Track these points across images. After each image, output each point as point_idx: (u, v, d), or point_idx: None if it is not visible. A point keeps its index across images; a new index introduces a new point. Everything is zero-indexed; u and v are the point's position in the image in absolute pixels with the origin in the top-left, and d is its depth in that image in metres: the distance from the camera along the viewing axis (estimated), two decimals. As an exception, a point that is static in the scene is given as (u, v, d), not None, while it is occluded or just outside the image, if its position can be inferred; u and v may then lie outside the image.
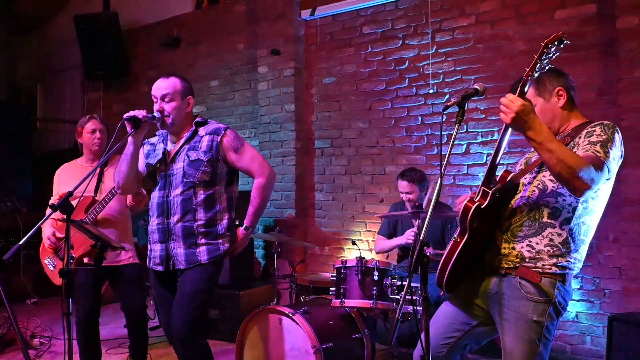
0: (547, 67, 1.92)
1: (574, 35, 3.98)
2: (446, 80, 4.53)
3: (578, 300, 3.94)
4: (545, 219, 2.01)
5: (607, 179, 1.96)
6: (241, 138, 2.90)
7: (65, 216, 2.34)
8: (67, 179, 3.61)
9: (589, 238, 2.05)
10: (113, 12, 6.68)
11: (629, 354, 3.13)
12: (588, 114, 3.90)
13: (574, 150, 1.97)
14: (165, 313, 2.90)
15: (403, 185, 3.94)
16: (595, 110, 3.87)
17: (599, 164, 1.87)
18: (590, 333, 3.90)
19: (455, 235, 2.04)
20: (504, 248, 2.06)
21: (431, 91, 4.59)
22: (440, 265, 2.04)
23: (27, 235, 2.22)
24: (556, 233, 1.99)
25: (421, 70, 4.68)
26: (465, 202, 2.01)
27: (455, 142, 1.95)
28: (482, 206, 1.97)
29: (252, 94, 5.77)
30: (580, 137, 2.00)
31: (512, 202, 2.10)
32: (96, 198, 3.47)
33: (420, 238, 1.86)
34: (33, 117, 7.89)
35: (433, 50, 4.59)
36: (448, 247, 2.04)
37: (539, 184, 2.05)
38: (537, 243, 2.00)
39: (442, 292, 2.13)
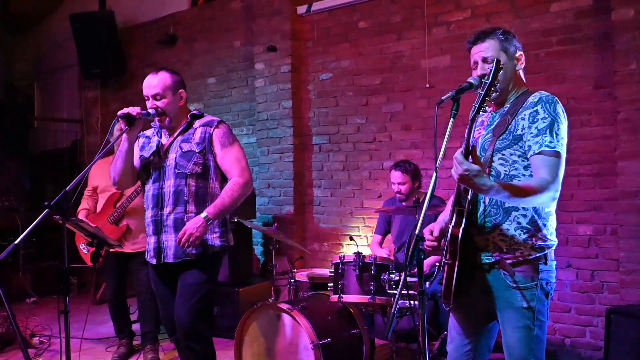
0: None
1: (570, 28, 3.97)
2: (442, 74, 4.53)
3: (576, 293, 3.94)
4: (507, 204, 2.04)
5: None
6: (233, 136, 2.85)
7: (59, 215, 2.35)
8: (99, 173, 4.00)
9: (554, 207, 2.08)
10: (109, 10, 6.66)
11: (627, 346, 3.13)
12: (584, 107, 3.95)
13: (521, 133, 2.01)
14: (164, 308, 2.90)
15: (396, 175, 3.94)
16: (591, 102, 3.88)
17: (554, 163, 1.95)
18: (588, 326, 3.91)
19: (447, 259, 2.04)
20: (479, 241, 2.08)
21: (427, 86, 4.59)
22: (443, 289, 2.07)
23: (23, 235, 2.22)
24: (521, 215, 2.03)
25: (418, 64, 4.67)
26: (450, 229, 2.04)
27: (452, 136, 1.94)
28: (463, 226, 2.02)
29: (249, 91, 5.77)
30: (524, 118, 2.02)
31: (475, 195, 2.11)
32: (124, 193, 3.88)
33: (416, 232, 1.87)
34: (30, 116, 7.88)
35: (429, 45, 4.59)
36: (445, 272, 2.06)
37: (491, 172, 2.07)
38: (508, 229, 2.03)
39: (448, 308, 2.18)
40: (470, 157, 1.93)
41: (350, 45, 5.06)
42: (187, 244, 2.61)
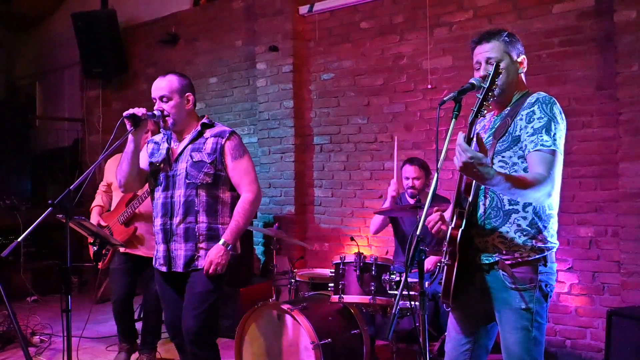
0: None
1: (572, 29, 3.98)
2: (444, 75, 4.53)
3: (577, 295, 3.94)
4: (507, 206, 2.04)
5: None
6: (243, 148, 2.86)
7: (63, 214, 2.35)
8: (114, 169, 3.84)
9: (555, 210, 2.08)
10: (111, 9, 6.67)
11: (628, 348, 3.13)
12: (585, 109, 3.96)
13: (519, 134, 2.02)
14: (169, 311, 2.91)
15: (411, 170, 3.91)
16: (593, 104, 3.88)
17: (549, 160, 1.94)
18: (589, 327, 3.91)
19: (446, 261, 2.05)
20: (479, 242, 2.08)
21: (429, 86, 4.59)
22: (442, 289, 2.08)
23: (25, 233, 2.23)
24: (521, 217, 2.02)
25: (419, 65, 4.67)
26: (449, 231, 2.04)
27: (453, 137, 1.95)
28: (463, 228, 2.02)
29: (250, 91, 5.77)
30: (521, 119, 2.03)
31: (475, 197, 2.11)
32: (137, 193, 3.72)
33: (417, 233, 1.87)
34: (31, 115, 7.89)
35: (431, 45, 4.59)
36: (444, 273, 2.06)
37: None
38: (507, 232, 2.03)
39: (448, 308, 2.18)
40: (473, 144, 1.91)
41: (352, 45, 5.07)
42: (215, 273, 2.70)
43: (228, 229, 2.75)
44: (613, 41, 3.75)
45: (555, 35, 4.03)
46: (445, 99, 1.99)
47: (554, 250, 2.07)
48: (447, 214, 2.25)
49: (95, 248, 3.94)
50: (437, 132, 1.97)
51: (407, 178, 3.93)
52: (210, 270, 2.68)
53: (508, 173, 2.01)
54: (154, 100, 2.78)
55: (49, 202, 2.24)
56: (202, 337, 2.72)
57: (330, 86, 5.21)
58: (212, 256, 2.70)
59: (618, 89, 3.71)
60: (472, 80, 2.04)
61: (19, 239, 2.19)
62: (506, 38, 2.12)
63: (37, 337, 4.47)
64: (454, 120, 1.93)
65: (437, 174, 1.92)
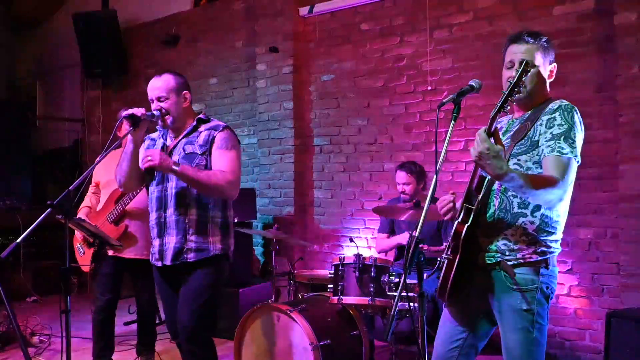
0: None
1: (572, 31, 3.98)
2: (444, 77, 4.53)
3: (576, 297, 3.94)
4: (515, 209, 2.04)
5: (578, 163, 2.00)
6: (234, 142, 2.80)
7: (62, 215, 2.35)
8: (102, 168, 3.67)
9: (563, 217, 2.07)
10: (112, 10, 6.68)
11: (627, 350, 3.13)
12: (586, 111, 3.92)
13: (538, 139, 2.01)
14: (168, 309, 2.90)
15: (401, 176, 3.94)
16: (593, 106, 3.88)
17: (564, 165, 1.92)
18: (588, 329, 3.91)
19: (448, 254, 2.05)
20: (483, 242, 2.08)
21: (429, 88, 4.59)
22: (440, 283, 2.07)
23: (25, 234, 2.22)
24: (529, 222, 2.02)
25: (419, 67, 4.67)
26: (455, 225, 2.04)
27: (453, 139, 1.95)
28: (469, 224, 2.01)
29: (250, 92, 5.78)
30: (542, 124, 2.02)
31: (485, 197, 2.10)
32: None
33: (416, 234, 1.87)
34: (32, 115, 7.90)
35: (431, 47, 4.59)
36: (444, 267, 2.06)
37: None
38: (513, 235, 2.03)
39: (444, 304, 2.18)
40: (492, 138, 1.89)
41: (352, 46, 5.07)
42: (145, 162, 2.56)
43: (191, 166, 2.66)
44: (613, 43, 3.76)
45: (556, 37, 4.01)
46: (444, 100, 2.00)
47: (556, 254, 2.07)
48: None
49: (81, 251, 3.85)
50: (436, 133, 1.97)
51: (399, 184, 3.97)
52: (142, 158, 2.58)
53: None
54: (151, 101, 2.78)
55: (48, 202, 2.24)
56: (197, 333, 2.70)
57: (330, 87, 5.21)
58: (150, 150, 2.64)
59: (618, 91, 3.72)
60: (471, 82, 2.05)
61: (18, 240, 2.19)
62: (544, 43, 2.09)
63: (37, 337, 4.46)
64: (453, 122, 1.94)
65: (436, 175, 1.92)
